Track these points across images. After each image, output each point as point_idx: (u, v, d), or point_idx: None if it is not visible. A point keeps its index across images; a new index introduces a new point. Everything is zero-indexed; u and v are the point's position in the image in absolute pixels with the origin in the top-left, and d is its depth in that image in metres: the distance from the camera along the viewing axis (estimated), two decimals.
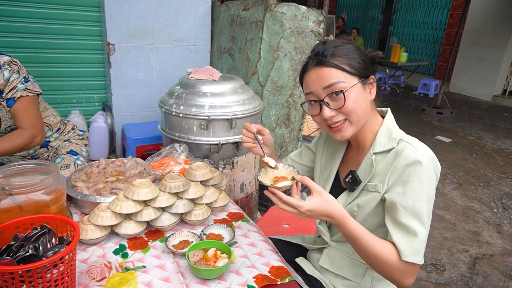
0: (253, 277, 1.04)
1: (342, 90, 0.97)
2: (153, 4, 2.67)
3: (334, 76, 0.97)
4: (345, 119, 1.01)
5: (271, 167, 1.08)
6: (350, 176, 1.08)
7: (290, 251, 1.34)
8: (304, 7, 2.31)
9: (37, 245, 0.84)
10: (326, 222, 1.19)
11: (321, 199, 0.95)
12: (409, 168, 0.94)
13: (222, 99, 1.84)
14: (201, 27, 2.90)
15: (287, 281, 1.03)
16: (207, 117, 1.78)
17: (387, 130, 1.05)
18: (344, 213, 0.96)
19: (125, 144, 2.55)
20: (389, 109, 1.11)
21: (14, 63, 1.53)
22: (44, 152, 1.76)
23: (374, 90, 1.04)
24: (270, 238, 1.31)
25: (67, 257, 0.84)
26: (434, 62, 8.70)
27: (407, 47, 9.13)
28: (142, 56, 2.73)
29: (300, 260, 1.27)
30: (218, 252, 1.08)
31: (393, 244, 0.96)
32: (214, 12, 2.99)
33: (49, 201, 0.98)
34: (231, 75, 2.15)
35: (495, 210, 3.13)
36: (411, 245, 0.93)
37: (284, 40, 2.38)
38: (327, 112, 1.00)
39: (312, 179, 1.32)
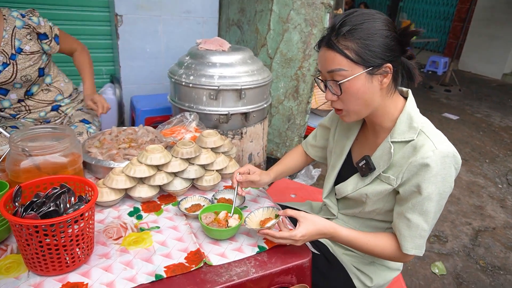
0: (263, 239, 1.08)
1: (339, 81, 0.92)
2: None
3: (337, 62, 0.91)
4: (343, 109, 0.99)
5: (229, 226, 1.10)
6: (364, 162, 1.05)
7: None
8: None
9: (58, 202, 0.88)
10: (335, 194, 1.21)
11: (308, 223, 0.97)
12: (425, 169, 0.91)
13: (231, 70, 1.84)
14: None
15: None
16: (216, 87, 1.79)
17: (408, 117, 0.97)
18: (333, 225, 1.00)
19: (134, 115, 2.57)
20: (410, 91, 1.02)
21: (33, 10, 1.63)
22: (55, 116, 1.79)
23: (387, 80, 0.93)
24: (279, 205, 1.34)
25: (86, 214, 0.88)
26: (444, 39, 8.51)
27: (417, 23, 8.92)
28: (150, 28, 2.71)
29: None
30: (229, 214, 1.12)
31: (392, 234, 1.04)
32: None
33: (66, 163, 1.01)
34: (240, 46, 2.13)
35: (499, 186, 3.15)
36: (413, 240, 0.97)
37: (294, 12, 2.35)
38: (329, 95, 0.98)
39: (324, 157, 1.34)
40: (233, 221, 1.08)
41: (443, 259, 2.21)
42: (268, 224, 1.03)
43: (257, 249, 1.03)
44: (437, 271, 2.10)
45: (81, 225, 0.87)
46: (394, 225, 1.02)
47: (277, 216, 1.05)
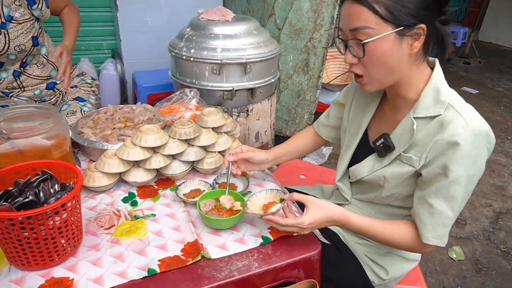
0: (268, 228, 0.98)
1: (363, 40, 0.79)
2: None
3: (364, 18, 0.78)
4: (364, 75, 0.86)
5: (225, 208, 1.00)
6: (382, 140, 0.94)
7: None
8: None
9: (37, 191, 0.79)
10: (349, 177, 1.10)
11: (317, 208, 0.87)
12: (454, 148, 0.79)
13: (236, 42, 1.70)
14: None
15: (303, 233, 0.97)
16: (219, 61, 1.66)
17: (434, 89, 0.85)
18: (345, 212, 0.90)
19: (136, 92, 2.47)
20: (437, 61, 0.89)
21: None
22: (51, 95, 1.69)
23: (419, 44, 0.80)
24: (287, 188, 1.24)
25: (69, 204, 0.79)
26: (464, 8, 8.05)
27: None
28: None
29: None
30: (223, 197, 1.02)
31: (411, 222, 0.93)
32: None
33: (50, 146, 0.92)
34: (245, 16, 1.98)
35: None
36: (435, 229, 0.87)
37: None
38: (348, 57, 0.85)
39: (338, 138, 1.22)
40: (227, 201, 0.99)
41: (461, 243, 2.10)
42: (272, 209, 0.93)
43: (260, 240, 0.94)
44: (454, 256, 1.99)
45: (64, 216, 0.78)
46: (413, 212, 0.91)
47: (282, 200, 0.95)
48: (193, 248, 0.90)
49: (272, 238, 0.94)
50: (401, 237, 0.92)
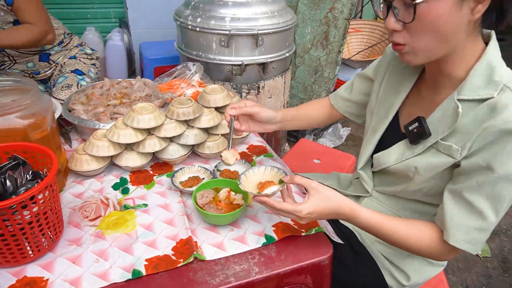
0: (273, 226, 0.86)
1: (414, 0, 0.64)
2: None
3: None
4: (407, 44, 0.71)
5: (229, 164, 0.88)
6: (417, 124, 0.79)
7: None
8: None
9: (2, 180, 0.68)
10: (372, 165, 0.96)
11: (320, 197, 0.74)
12: (508, 138, 0.66)
13: (247, 10, 1.53)
14: None
15: (313, 232, 0.85)
16: (228, 32, 1.49)
17: (488, 67, 0.71)
18: (352, 205, 0.77)
19: (142, 65, 2.33)
20: (493, 34, 0.74)
21: None
22: (45, 67, 1.58)
23: (483, 8, 0.64)
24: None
25: (41, 196, 0.68)
26: None
27: None
28: None
29: None
30: (232, 193, 0.90)
31: (432, 223, 0.80)
32: None
33: (26, 127, 0.81)
34: None
35: None
36: (468, 231, 0.72)
37: None
38: (391, 21, 0.69)
39: (358, 115, 1.07)
40: (231, 156, 0.91)
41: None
42: (267, 191, 0.80)
43: (263, 240, 0.82)
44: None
45: (35, 209, 0.68)
46: (440, 209, 0.77)
47: (281, 182, 0.82)
48: (185, 247, 0.79)
49: (276, 238, 0.82)
50: (419, 240, 0.78)
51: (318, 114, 1.12)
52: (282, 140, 2.01)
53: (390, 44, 0.81)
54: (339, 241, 0.90)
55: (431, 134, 0.77)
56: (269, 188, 0.81)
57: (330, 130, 2.58)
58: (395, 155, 0.86)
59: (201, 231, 0.84)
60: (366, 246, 0.96)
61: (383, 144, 0.92)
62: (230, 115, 0.94)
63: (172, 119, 1.02)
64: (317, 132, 2.51)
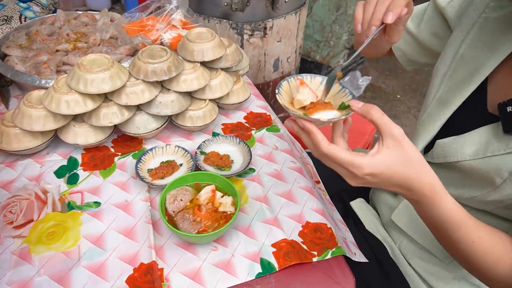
0: (273, 246, 0.61)
1: None
2: None
3: None
4: None
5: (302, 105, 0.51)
6: None
7: (340, 181, 0.82)
8: None
9: None
10: (430, 153, 0.66)
11: (400, 155, 0.46)
12: None
13: None
14: None
15: (329, 256, 0.60)
16: None
17: None
18: (437, 184, 0.48)
19: None
20: None
21: None
22: None
23: None
24: (311, 156, 0.82)
25: None
26: None
27: None
28: None
29: (357, 205, 0.80)
30: (218, 194, 0.64)
31: None
32: None
33: None
34: None
35: None
36: None
37: None
38: None
39: (411, 60, 0.78)
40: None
41: None
42: (320, 116, 0.49)
43: (258, 269, 0.58)
44: None
45: None
46: None
47: (345, 107, 0.51)
48: (146, 278, 0.55)
49: (277, 267, 0.58)
50: (499, 260, 0.52)
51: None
52: None
53: None
54: (363, 258, 0.66)
55: None
56: (323, 112, 0.51)
57: (346, 78, 2.23)
58: (475, 146, 0.57)
59: (171, 250, 0.60)
60: (398, 265, 0.72)
61: (455, 125, 0.63)
62: (381, 22, 0.52)
63: (138, 79, 0.72)
64: None
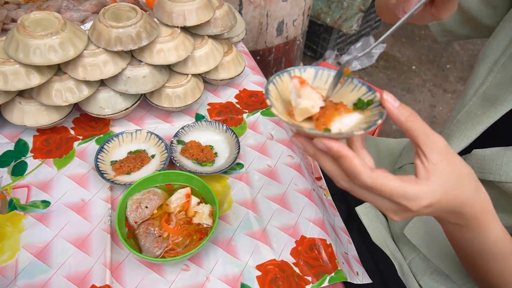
0: (257, 267, 0.49)
1: None
2: None
3: None
4: None
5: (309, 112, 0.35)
6: None
7: None
8: None
9: None
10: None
11: (451, 170, 0.33)
12: None
13: None
14: None
15: (326, 283, 0.49)
16: None
17: None
18: (488, 205, 0.37)
19: None
20: None
21: None
22: None
23: None
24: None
25: None
26: None
27: None
28: None
29: (363, 211, 0.67)
30: (194, 199, 0.51)
31: None
32: None
33: None
34: None
35: None
36: None
37: None
38: None
39: (449, 31, 0.62)
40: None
41: None
42: (341, 124, 0.34)
43: None
44: None
45: None
46: None
47: (363, 104, 0.35)
48: None
49: None
50: None
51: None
52: (295, 60, 1.51)
53: None
54: (366, 279, 0.55)
55: None
56: (336, 118, 0.34)
57: (358, 45, 2.03)
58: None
59: (131, 269, 0.48)
60: (407, 284, 0.61)
61: (501, 132, 0.49)
62: None
63: (99, 47, 0.57)
64: (342, 47, 1.97)
